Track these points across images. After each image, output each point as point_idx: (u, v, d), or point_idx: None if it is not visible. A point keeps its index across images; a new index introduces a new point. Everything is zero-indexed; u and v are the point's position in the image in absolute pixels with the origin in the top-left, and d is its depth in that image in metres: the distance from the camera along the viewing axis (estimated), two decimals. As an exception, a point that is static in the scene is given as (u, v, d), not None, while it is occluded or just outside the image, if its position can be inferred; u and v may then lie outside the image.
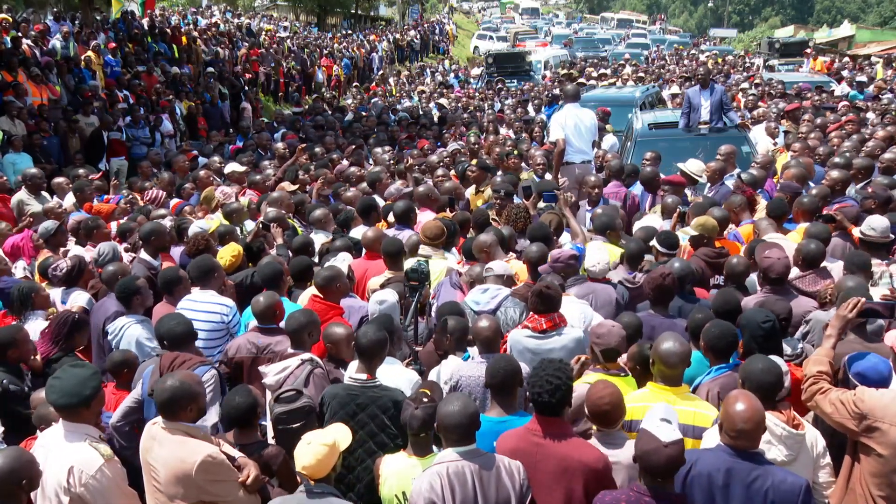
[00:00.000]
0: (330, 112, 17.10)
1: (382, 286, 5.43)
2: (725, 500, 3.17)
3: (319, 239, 6.62)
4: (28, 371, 4.68)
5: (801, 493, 3.12)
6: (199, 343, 4.70)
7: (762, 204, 6.91)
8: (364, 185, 8.69)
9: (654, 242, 5.77)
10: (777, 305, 4.46)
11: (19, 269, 6.46)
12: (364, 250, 6.12)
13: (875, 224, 5.48)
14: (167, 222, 6.84)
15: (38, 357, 4.79)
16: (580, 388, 4.01)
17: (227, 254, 5.80)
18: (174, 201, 8.15)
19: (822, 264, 5.26)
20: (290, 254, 6.25)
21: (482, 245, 5.75)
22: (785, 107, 12.40)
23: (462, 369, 4.35)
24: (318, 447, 3.29)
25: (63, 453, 3.43)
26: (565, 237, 6.47)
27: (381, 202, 7.72)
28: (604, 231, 6.18)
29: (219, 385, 4.27)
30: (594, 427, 3.68)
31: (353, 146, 11.56)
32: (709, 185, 7.98)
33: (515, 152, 9.71)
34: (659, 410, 3.14)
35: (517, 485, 3.31)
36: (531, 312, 4.59)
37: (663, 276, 4.83)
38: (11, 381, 4.45)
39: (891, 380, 3.67)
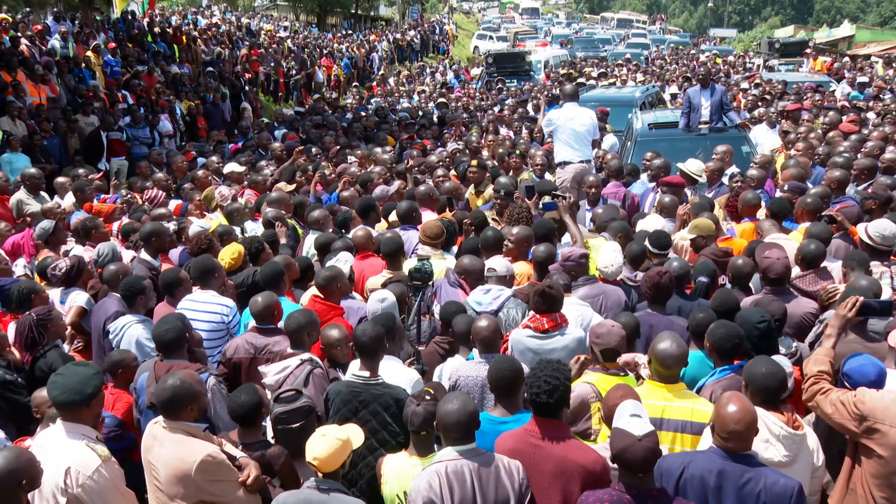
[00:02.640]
0: (330, 112, 17.10)
1: (384, 285, 5.44)
2: (718, 503, 3.16)
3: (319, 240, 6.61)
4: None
5: (793, 495, 3.11)
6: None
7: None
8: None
9: (645, 242, 5.77)
10: (772, 306, 4.45)
11: (19, 268, 6.46)
12: (356, 251, 6.12)
13: (883, 230, 5.34)
14: (171, 225, 6.83)
15: (15, 350, 4.77)
16: (580, 387, 4.02)
17: (227, 255, 5.79)
18: (175, 203, 8.14)
19: (823, 264, 5.25)
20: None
21: (520, 238, 5.73)
22: (786, 106, 12.39)
23: (461, 369, 4.36)
24: (332, 440, 3.31)
25: (60, 454, 3.42)
26: (565, 238, 6.46)
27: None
28: (616, 234, 6.17)
29: (219, 392, 4.26)
30: (604, 431, 3.67)
31: (338, 147, 11.49)
32: (707, 185, 7.97)
33: (517, 152, 9.71)
34: (627, 407, 3.12)
35: (516, 484, 3.30)
36: (533, 312, 4.59)
37: (660, 275, 4.83)
38: (6, 373, 4.47)
39: (880, 382, 3.66)
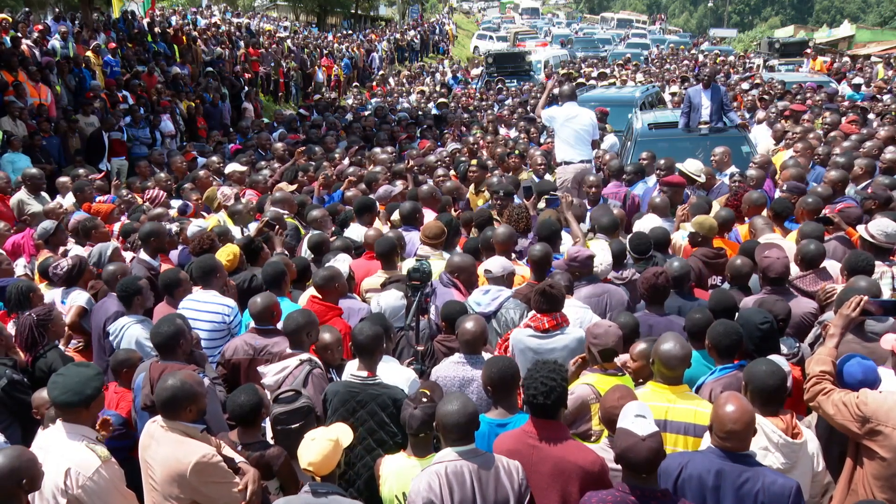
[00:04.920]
0: (332, 112, 17.13)
1: (384, 285, 5.45)
2: (716, 503, 3.17)
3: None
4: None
5: (791, 495, 3.11)
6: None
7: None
8: (362, 185, 8.70)
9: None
10: (777, 306, 4.46)
11: (20, 267, 6.46)
12: (365, 251, 6.12)
13: (885, 228, 5.34)
14: (172, 226, 6.82)
15: (20, 351, 4.78)
16: (580, 389, 4.01)
17: (223, 257, 5.74)
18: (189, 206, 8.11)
19: (822, 264, 5.25)
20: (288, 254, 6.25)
21: (500, 239, 5.74)
22: (789, 106, 12.38)
23: (440, 369, 4.38)
24: (323, 442, 3.31)
25: (60, 455, 3.42)
26: (565, 237, 6.45)
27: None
28: (609, 232, 6.18)
29: (213, 393, 4.25)
30: (605, 432, 3.67)
31: (356, 147, 11.55)
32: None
33: (517, 152, 9.71)
34: (633, 408, 3.13)
35: (516, 485, 3.30)
36: (534, 311, 4.59)
37: (656, 276, 4.84)
38: (14, 372, 4.48)
39: (871, 382, 3.67)
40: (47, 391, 3.62)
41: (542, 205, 7.00)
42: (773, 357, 3.91)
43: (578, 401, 3.95)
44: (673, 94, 16.49)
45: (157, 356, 4.33)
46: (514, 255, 5.94)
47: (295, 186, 8.46)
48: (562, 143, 9.08)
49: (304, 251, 6.49)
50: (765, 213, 6.52)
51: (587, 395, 3.98)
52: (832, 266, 5.35)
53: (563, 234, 6.39)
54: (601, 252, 5.38)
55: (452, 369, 4.33)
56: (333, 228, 7.13)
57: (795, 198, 6.58)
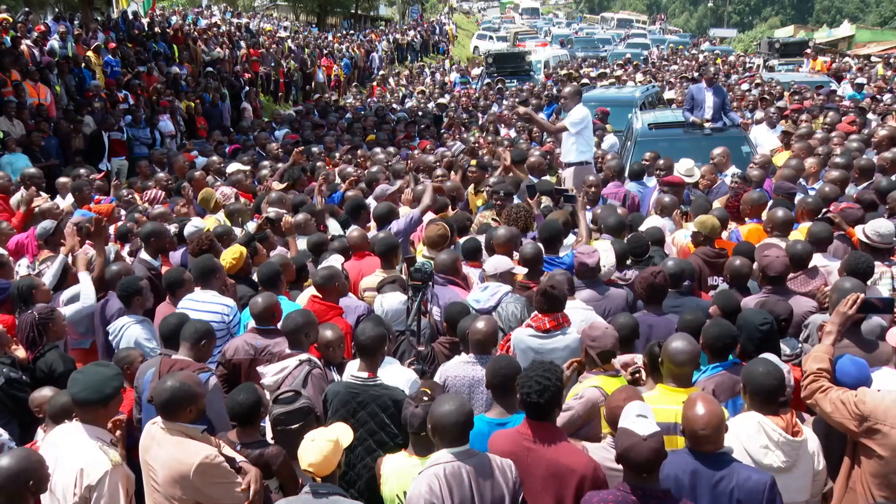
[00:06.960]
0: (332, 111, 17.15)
1: (380, 286, 5.44)
2: (694, 501, 3.17)
3: (301, 244, 6.58)
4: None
5: (765, 490, 3.13)
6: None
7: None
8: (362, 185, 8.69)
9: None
10: (778, 306, 4.45)
11: (23, 267, 6.45)
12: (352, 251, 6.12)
13: (880, 229, 5.35)
14: (172, 227, 6.81)
15: (21, 348, 4.78)
16: (589, 392, 3.99)
17: (229, 256, 5.74)
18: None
19: (821, 265, 5.24)
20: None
21: (502, 240, 5.69)
22: (790, 106, 12.39)
23: (449, 369, 4.37)
24: (323, 443, 3.30)
25: (74, 455, 3.43)
26: (571, 238, 6.44)
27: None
28: (617, 231, 6.16)
29: (220, 391, 4.26)
30: (610, 433, 3.67)
31: (350, 146, 11.56)
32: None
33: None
34: (634, 407, 3.12)
35: (510, 483, 3.31)
36: (535, 312, 4.59)
37: (654, 275, 4.83)
38: (11, 370, 4.49)
39: (864, 380, 3.67)
40: (67, 388, 3.63)
41: (545, 203, 6.98)
42: (772, 357, 3.91)
43: (589, 404, 3.93)
44: (670, 101, 16.46)
45: (162, 354, 4.33)
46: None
47: (285, 185, 8.39)
48: (565, 143, 9.07)
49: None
50: (764, 213, 6.51)
51: (597, 399, 3.94)
52: (832, 266, 5.35)
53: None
54: (604, 254, 5.36)
55: (462, 369, 4.32)
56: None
57: (784, 197, 6.57)
